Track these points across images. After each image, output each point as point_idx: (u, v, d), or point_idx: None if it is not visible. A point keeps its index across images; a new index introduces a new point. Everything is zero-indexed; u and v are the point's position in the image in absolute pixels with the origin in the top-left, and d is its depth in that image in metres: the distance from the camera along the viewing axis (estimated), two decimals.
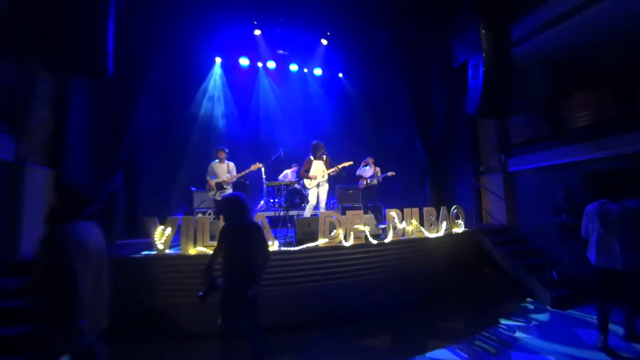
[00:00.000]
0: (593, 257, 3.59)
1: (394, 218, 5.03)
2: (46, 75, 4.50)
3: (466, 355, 3.50)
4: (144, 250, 4.31)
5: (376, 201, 7.65)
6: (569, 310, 4.60)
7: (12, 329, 3.22)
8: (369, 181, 7.36)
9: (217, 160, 6.04)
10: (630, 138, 4.77)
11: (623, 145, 4.87)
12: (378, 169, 7.51)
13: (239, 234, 2.84)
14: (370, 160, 7.55)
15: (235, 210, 2.89)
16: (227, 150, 6.11)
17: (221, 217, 2.95)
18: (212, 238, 4.36)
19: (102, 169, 5.49)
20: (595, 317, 3.67)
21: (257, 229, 2.91)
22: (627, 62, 4.92)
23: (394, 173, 7.40)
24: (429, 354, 3.55)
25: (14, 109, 4.03)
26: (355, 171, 7.62)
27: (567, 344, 3.65)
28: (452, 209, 5.72)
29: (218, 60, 9.33)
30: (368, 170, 7.48)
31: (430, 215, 5.39)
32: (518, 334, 3.95)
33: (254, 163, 6.25)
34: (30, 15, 4.19)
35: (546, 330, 4.05)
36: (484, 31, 5.75)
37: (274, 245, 4.41)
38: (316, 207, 6.15)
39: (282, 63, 9.80)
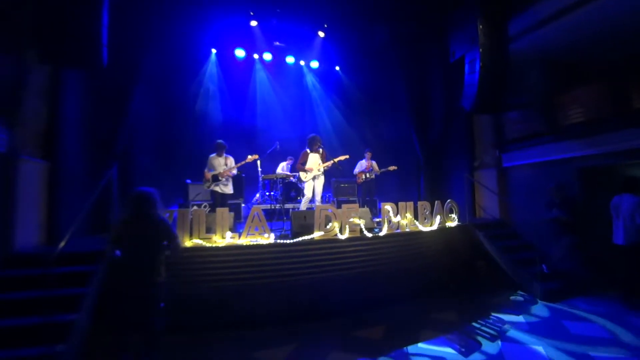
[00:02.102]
0: (614, 237, 4.61)
1: (388, 212, 5.09)
2: (40, 66, 4.42)
3: (457, 345, 3.59)
4: None
5: (373, 195, 7.67)
6: (558, 303, 4.71)
7: (10, 320, 3.23)
8: (367, 175, 7.35)
9: (215, 154, 6.03)
10: (624, 135, 4.83)
11: (616, 142, 4.93)
12: (374, 162, 7.51)
13: (141, 229, 2.84)
14: (368, 154, 7.52)
15: (140, 203, 2.88)
16: (226, 145, 6.09)
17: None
18: (208, 230, 4.38)
19: (97, 161, 5.45)
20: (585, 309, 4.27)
21: (161, 222, 2.91)
22: (622, 60, 4.96)
23: (395, 167, 7.36)
24: (422, 344, 3.64)
25: (7, 100, 3.96)
26: (351, 165, 7.61)
27: (555, 336, 3.75)
28: (446, 203, 5.79)
29: (214, 51, 9.23)
30: (363, 164, 7.48)
31: (424, 209, 5.45)
32: (508, 326, 4.06)
33: (250, 154, 6.23)
34: (24, 5, 4.11)
35: (535, 322, 4.16)
36: (481, 26, 5.76)
37: (269, 238, 4.45)
38: (312, 200, 6.17)
39: (279, 55, 9.72)
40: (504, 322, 4.17)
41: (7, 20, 3.93)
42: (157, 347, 2.91)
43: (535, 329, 3.95)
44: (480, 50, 5.71)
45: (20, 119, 4.12)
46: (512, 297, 5.03)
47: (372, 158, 7.60)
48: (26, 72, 4.20)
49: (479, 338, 3.75)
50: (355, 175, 7.59)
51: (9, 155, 3.92)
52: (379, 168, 7.50)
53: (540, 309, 4.55)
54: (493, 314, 4.43)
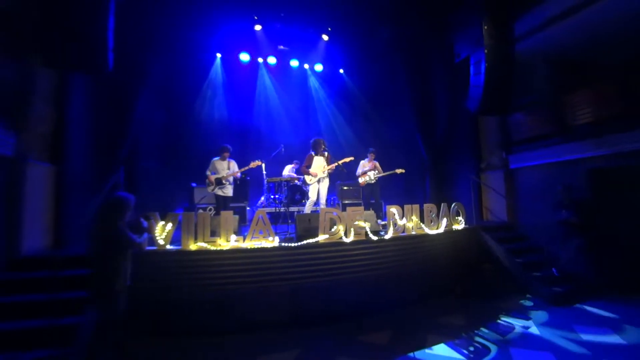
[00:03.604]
0: None
1: (394, 214, 5.03)
2: (47, 70, 4.48)
3: (465, 351, 3.52)
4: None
5: (379, 198, 7.48)
6: (569, 307, 4.61)
7: (17, 323, 3.24)
8: (372, 176, 7.14)
9: (218, 157, 6.11)
10: (633, 136, 4.75)
11: (625, 142, 4.85)
12: (377, 163, 7.35)
13: (101, 234, 2.86)
14: (371, 155, 7.24)
15: (107, 209, 2.92)
16: (230, 149, 6.17)
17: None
18: (212, 234, 4.37)
19: (103, 165, 5.49)
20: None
21: (119, 231, 2.88)
22: (630, 59, 4.89)
23: (403, 170, 7.05)
24: (429, 349, 3.57)
25: (15, 104, 4.02)
26: (355, 167, 7.46)
27: (567, 341, 3.66)
28: (453, 205, 5.72)
29: (218, 55, 9.30)
30: (366, 165, 7.27)
31: (430, 211, 5.39)
32: (517, 330, 3.97)
33: (253, 160, 6.28)
34: (30, 9, 4.17)
35: (545, 326, 4.06)
36: (486, 27, 5.70)
37: (274, 242, 4.42)
38: (316, 203, 6.14)
39: (283, 59, 9.76)
40: (513, 326, 4.08)
41: (14, 24, 3.99)
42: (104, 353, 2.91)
43: (545, 334, 3.86)
44: (486, 51, 5.65)
45: (27, 123, 4.17)
46: (521, 301, 4.93)
47: (375, 159, 7.27)
48: (33, 77, 4.26)
49: (488, 343, 3.67)
50: (358, 177, 7.36)
51: (16, 159, 3.96)
52: (385, 170, 7.29)
53: (550, 314, 4.45)
54: (502, 318, 4.35)
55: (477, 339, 3.80)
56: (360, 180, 7.20)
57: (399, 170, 7.04)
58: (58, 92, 4.80)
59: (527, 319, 4.31)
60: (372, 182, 7.12)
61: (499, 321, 4.26)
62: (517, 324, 4.16)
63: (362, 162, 7.30)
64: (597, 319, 4.19)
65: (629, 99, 4.94)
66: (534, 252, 5.76)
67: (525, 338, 3.77)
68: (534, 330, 3.97)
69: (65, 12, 3.76)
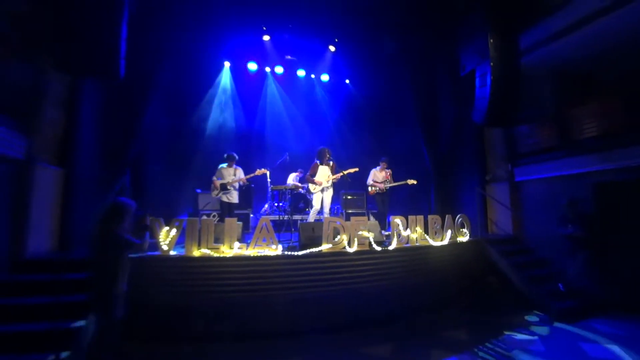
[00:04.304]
0: None
1: (398, 225, 5.01)
2: (58, 75, 4.58)
3: None
4: (148, 251, 4.34)
5: (388, 207, 7.28)
6: (575, 324, 4.51)
7: (21, 325, 3.25)
8: (384, 186, 6.96)
9: (225, 164, 6.18)
10: (639, 150, 4.72)
11: (632, 157, 4.81)
12: (389, 172, 6.99)
13: (100, 239, 2.85)
14: (383, 164, 6.99)
15: (108, 214, 2.90)
16: (236, 157, 6.24)
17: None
18: (216, 240, 4.38)
19: (110, 169, 5.56)
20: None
21: (116, 236, 2.86)
22: (636, 72, 4.89)
23: (415, 181, 6.80)
24: None
25: (26, 108, 4.11)
26: (361, 177, 7.34)
27: (572, 359, 3.58)
28: (457, 217, 5.68)
29: (227, 64, 9.45)
30: (378, 175, 7.19)
31: (435, 223, 5.35)
32: (522, 347, 3.89)
33: (259, 168, 6.33)
34: (44, 15, 4.29)
35: (550, 343, 3.98)
36: (492, 40, 5.74)
37: (277, 250, 4.41)
38: (320, 212, 6.14)
39: (290, 68, 9.89)
40: (517, 342, 4.00)
41: (28, 29, 4.10)
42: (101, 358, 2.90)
43: (551, 351, 3.77)
44: (491, 63, 5.68)
45: (38, 127, 4.25)
46: (526, 316, 4.84)
47: (387, 168, 7.01)
48: (45, 81, 4.36)
49: (491, 359, 3.60)
50: (369, 186, 7.21)
51: (26, 162, 4.03)
52: (395, 181, 6.96)
53: (556, 330, 4.36)
54: (506, 333, 4.26)
55: (481, 354, 3.73)
56: (370, 189, 7.05)
57: (410, 181, 6.77)
58: (69, 96, 4.90)
59: (533, 335, 4.23)
60: (383, 191, 6.96)
61: (503, 336, 4.18)
62: (522, 339, 4.08)
63: (373, 170, 7.06)
64: (605, 337, 4.09)
65: (635, 112, 4.92)
66: (539, 266, 5.68)
67: (530, 355, 3.69)
68: (540, 347, 3.89)
69: (80, 19, 3.86)
